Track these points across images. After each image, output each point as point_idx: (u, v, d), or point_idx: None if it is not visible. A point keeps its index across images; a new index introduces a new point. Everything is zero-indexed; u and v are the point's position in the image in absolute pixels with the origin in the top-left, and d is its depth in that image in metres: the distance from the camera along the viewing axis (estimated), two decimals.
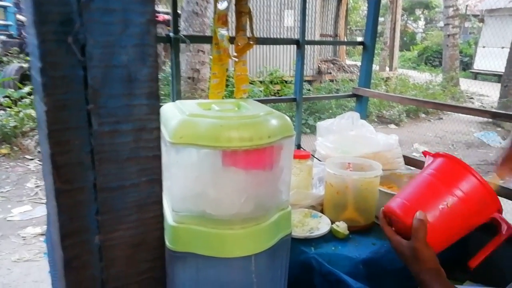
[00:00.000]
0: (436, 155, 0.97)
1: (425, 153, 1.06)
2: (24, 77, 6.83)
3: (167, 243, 1.07)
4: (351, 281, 1.13)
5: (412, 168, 1.90)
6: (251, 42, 1.45)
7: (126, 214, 0.30)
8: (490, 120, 7.71)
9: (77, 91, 0.27)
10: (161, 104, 1.25)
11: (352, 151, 1.66)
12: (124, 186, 0.30)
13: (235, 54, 1.41)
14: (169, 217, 1.08)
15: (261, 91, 7.17)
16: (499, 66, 10.81)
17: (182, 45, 1.65)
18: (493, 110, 1.58)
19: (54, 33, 0.26)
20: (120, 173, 0.29)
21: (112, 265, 0.30)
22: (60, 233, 0.28)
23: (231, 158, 1.00)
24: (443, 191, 0.86)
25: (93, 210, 0.29)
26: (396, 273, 1.25)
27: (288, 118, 1.11)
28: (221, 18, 1.36)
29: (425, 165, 0.99)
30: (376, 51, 7.81)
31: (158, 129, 0.30)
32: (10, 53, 8.39)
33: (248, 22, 1.46)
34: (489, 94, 10.11)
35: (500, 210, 0.89)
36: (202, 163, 1.01)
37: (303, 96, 1.95)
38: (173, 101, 1.43)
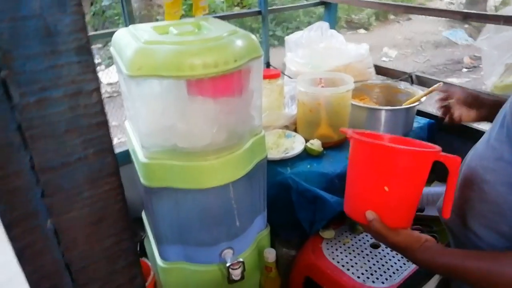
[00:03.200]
0: (350, 138, 0.84)
1: (342, 131, 0.93)
2: None
3: (141, 180, 1.05)
4: (327, 196, 1.18)
5: (382, 76, 1.89)
6: None
7: (78, 192, 0.26)
8: None
9: None
10: (114, 30, 1.11)
11: (322, 64, 1.61)
12: (69, 162, 0.25)
13: None
14: (139, 154, 1.04)
15: (223, 2, 6.69)
16: None
17: None
18: (464, 10, 1.53)
19: None
20: (61, 149, 0.25)
21: (73, 246, 0.27)
22: (3, 223, 0.24)
23: (197, 87, 0.94)
24: (375, 177, 0.79)
25: (38, 194, 0.25)
26: None
27: (255, 37, 1.03)
28: None
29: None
30: None
31: (98, 90, 0.25)
32: None
33: None
34: None
35: (437, 152, 0.78)
36: (166, 94, 0.95)
37: (269, 8, 1.81)
38: (126, 25, 1.29)
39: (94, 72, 0.24)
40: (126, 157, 1.22)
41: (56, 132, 0.24)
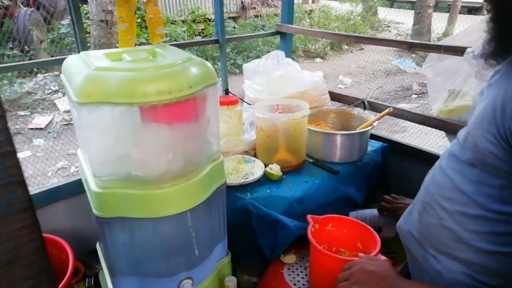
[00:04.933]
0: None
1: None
2: None
3: (93, 210, 1.00)
4: (287, 220, 1.18)
5: (337, 102, 1.96)
6: None
7: None
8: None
9: None
10: (65, 56, 1.07)
11: (279, 91, 1.65)
12: None
13: None
14: (91, 183, 1.00)
15: (184, 31, 6.76)
16: None
17: None
18: (409, 40, 1.64)
19: None
20: None
21: None
22: None
23: (151, 114, 0.92)
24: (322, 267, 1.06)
25: None
26: (329, 206, 1.33)
27: (210, 65, 1.03)
28: None
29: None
30: None
31: (2, 117, 0.23)
32: None
33: None
34: (404, 22, 10.61)
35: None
36: (118, 122, 0.92)
37: (226, 37, 1.84)
38: (79, 52, 1.26)
39: None
40: (80, 186, 1.16)
41: None
